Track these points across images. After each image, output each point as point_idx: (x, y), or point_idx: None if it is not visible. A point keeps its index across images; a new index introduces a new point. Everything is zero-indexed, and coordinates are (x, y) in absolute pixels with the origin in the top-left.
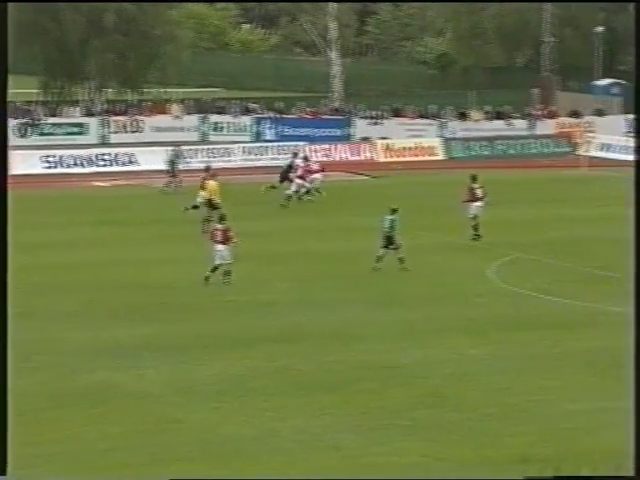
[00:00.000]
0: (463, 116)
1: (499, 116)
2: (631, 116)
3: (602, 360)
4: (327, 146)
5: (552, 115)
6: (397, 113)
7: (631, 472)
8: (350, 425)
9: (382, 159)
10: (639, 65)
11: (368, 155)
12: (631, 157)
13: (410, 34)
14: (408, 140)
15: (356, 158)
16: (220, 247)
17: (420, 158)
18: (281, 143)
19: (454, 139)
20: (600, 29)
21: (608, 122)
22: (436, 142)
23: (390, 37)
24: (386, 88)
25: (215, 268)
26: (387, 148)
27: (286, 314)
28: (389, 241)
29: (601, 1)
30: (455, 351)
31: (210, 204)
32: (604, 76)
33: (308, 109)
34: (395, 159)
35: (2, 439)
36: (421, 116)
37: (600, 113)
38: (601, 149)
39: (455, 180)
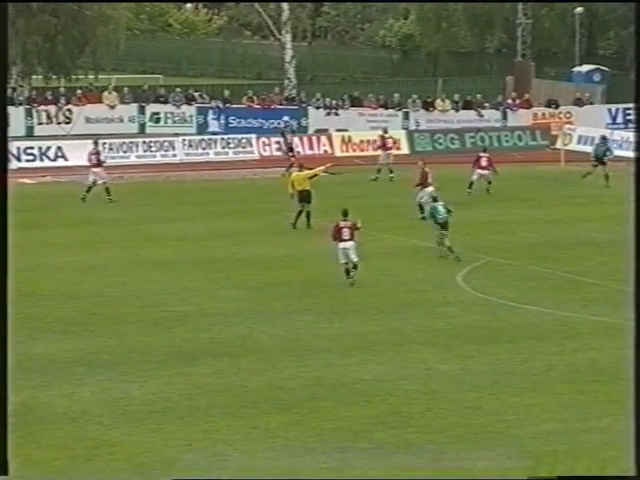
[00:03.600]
0: (429, 106)
1: (469, 106)
2: (614, 106)
3: (582, 375)
4: (279, 139)
5: (527, 105)
6: (356, 102)
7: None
8: (304, 448)
9: (340, 153)
10: (639, 65)
11: (324, 149)
12: (615, 152)
13: (371, 16)
14: (369, 132)
15: (311, 152)
16: None
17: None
18: (228, 135)
19: (419, 131)
20: (579, 10)
21: (589, 112)
22: (399, 135)
23: (349, 19)
24: (344, 75)
25: None
26: (345, 141)
27: (232, 325)
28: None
29: (601, 1)
30: (420, 366)
31: None
32: (584, 62)
33: (258, 98)
34: (354, 153)
35: (2, 439)
36: (383, 106)
37: (580, 103)
38: (581, 142)
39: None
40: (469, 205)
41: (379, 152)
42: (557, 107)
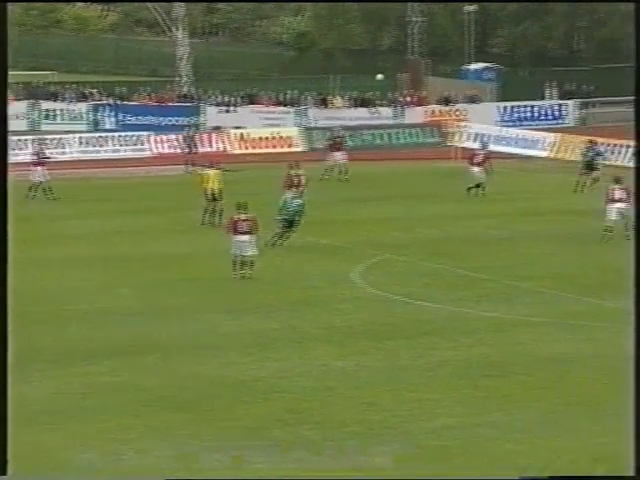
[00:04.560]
0: (324, 103)
1: (364, 103)
2: (504, 103)
3: (476, 371)
4: (174, 136)
5: (421, 102)
6: (252, 99)
7: (631, 472)
8: (201, 447)
9: (236, 150)
10: (639, 64)
11: (220, 146)
12: (505, 148)
13: (265, 12)
14: (264, 129)
15: (207, 150)
16: None
17: (278, 149)
18: (122, 133)
19: (315, 128)
20: (471, 8)
21: (481, 110)
22: (295, 132)
23: (243, 15)
24: (239, 72)
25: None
26: (241, 138)
27: (128, 324)
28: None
29: (599, 1)
30: (317, 362)
31: None
32: (476, 59)
33: (152, 95)
34: (250, 150)
35: (2, 439)
36: (278, 103)
37: (473, 100)
38: (474, 139)
39: (317, 174)
40: (365, 202)
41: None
42: (450, 104)
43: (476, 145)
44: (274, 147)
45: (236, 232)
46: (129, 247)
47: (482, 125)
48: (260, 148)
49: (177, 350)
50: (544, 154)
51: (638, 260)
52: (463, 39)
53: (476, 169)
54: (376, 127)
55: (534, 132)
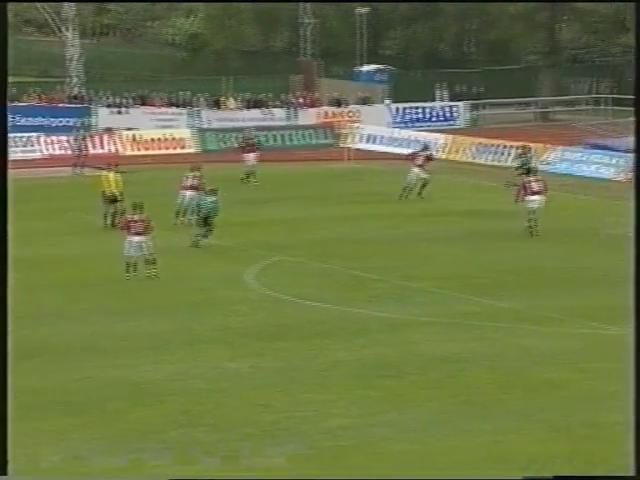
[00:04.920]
0: (217, 104)
1: (257, 104)
2: (395, 105)
3: (370, 371)
4: (65, 137)
5: (314, 104)
6: (144, 101)
7: (631, 472)
8: (94, 451)
9: (128, 152)
10: (639, 65)
11: (112, 148)
12: (398, 150)
13: (157, 14)
14: (156, 131)
15: (99, 151)
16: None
17: (171, 151)
18: (12, 134)
19: (208, 130)
20: (363, 10)
21: (374, 111)
22: (187, 133)
23: (134, 16)
24: (131, 73)
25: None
26: (133, 140)
27: (22, 327)
28: (206, 222)
29: (598, 1)
30: (211, 364)
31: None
32: (368, 61)
33: (43, 96)
34: (143, 152)
35: (2, 439)
36: (171, 104)
37: (365, 101)
38: (367, 140)
39: (210, 175)
40: (261, 203)
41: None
42: (343, 106)
43: (371, 147)
44: (167, 149)
45: (130, 233)
46: (22, 250)
47: (374, 126)
48: (153, 149)
49: (70, 353)
50: (436, 155)
51: (638, 260)
52: (355, 41)
53: (416, 170)
54: (269, 128)
55: (426, 133)
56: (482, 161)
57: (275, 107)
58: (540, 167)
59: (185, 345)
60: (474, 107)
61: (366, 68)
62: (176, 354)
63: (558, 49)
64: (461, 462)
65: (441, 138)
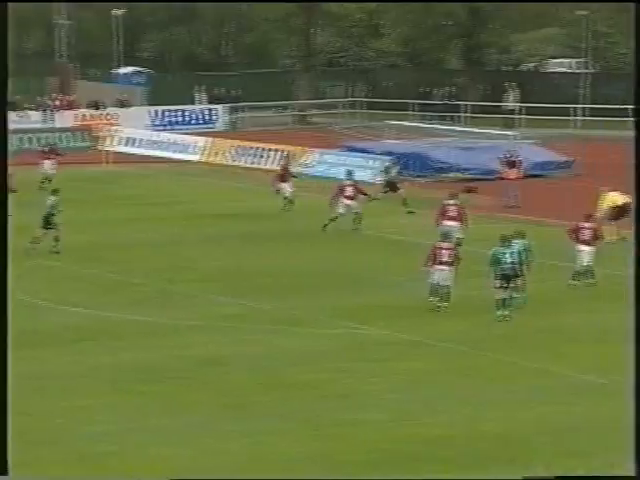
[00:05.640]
0: None
1: (12, 107)
2: (155, 107)
3: (132, 375)
4: None
5: (71, 106)
6: None
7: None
8: None
9: None
10: (639, 65)
11: None
12: (158, 152)
13: None
14: None
15: None
16: None
17: None
18: None
19: None
20: (119, 12)
21: (132, 114)
22: None
23: None
24: None
25: None
26: None
27: None
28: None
29: (598, 1)
30: None
31: None
32: (127, 63)
33: None
34: None
35: (2, 439)
36: None
37: (123, 104)
38: (125, 143)
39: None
40: (16, 207)
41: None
42: (101, 108)
43: (130, 150)
44: None
45: None
46: None
47: (133, 129)
48: None
49: None
50: (196, 158)
51: (638, 260)
52: (112, 43)
53: (347, 202)
54: (25, 131)
55: (185, 136)
56: (241, 164)
57: (30, 109)
58: (299, 170)
59: None
60: (233, 110)
61: (123, 70)
62: None
63: (314, 53)
64: (225, 465)
65: (200, 141)
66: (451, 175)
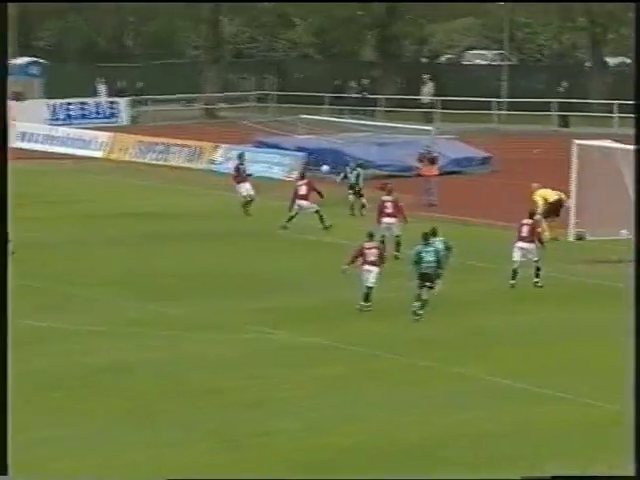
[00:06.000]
0: None
1: None
2: (53, 101)
3: (29, 384)
4: None
5: None
6: None
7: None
8: None
9: None
10: (639, 65)
11: None
12: (58, 148)
13: None
14: None
15: None
16: None
17: None
18: None
19: None
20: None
21: (28, 108)
22: None
23: None
24: None
25: None
26: None
27: None
28: None
29: (599, 1)
30: None
31: None
32: (21, 54)
33: None
34: None
35: (2, 439)
36: None
37: (19, 97)
38: (22, 139)
39: None
40: None
41: None
42: None
43: (27, 145)
44: None
45: None
46: None
47: (29, 123)
48: None
49: None
50: (97, 154)
51: (638, 261)
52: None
53: (302, 202)
54: None
55: (86, 131)
56: (146, 160)
57: None
58: (208, 167)
59: None
60: (136, 103)
61: (18, 61)
62: None
63: (222, 44)
64: (132, 478)
65: (102, 136)
66: (367, 172)
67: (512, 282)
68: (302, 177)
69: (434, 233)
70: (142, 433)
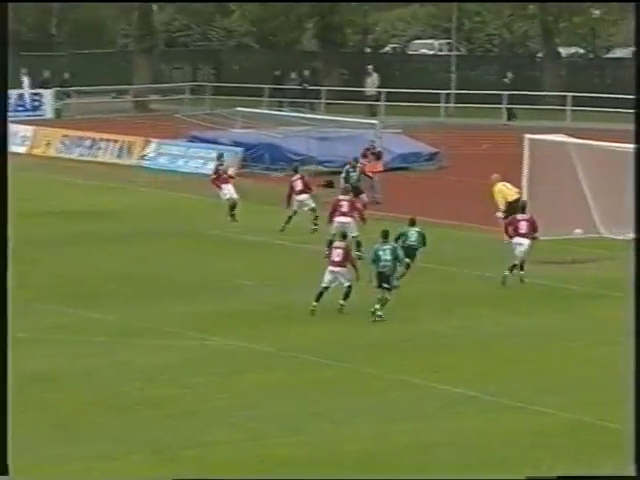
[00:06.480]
0: None
1: None
2: None
3: None
4: None
5: None
6: None
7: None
8: None
9: None
10: (639, 65)
11: None
12: (16, 148)
13: None
14: None
15: None
16: None
17: None
18: None
19: None
20: None
21: None
22: None
23: None
24: None
25: None
26: None
27: None
28: None
29: (597, 1)
30: None
31: None
32: None
33: None
34: None
35: (2, 439)
36: None
37: None
38: None
39: None
40: None
41: None
42: None
43: None
44: None
45: None
46: None
47: None
48: None
49: None
50: (21, 150)
51: (638, 261)
52: None
53: (304, 197)
54: None
55: (9, 125)
56: (73, 156)
57: None
58: (139, 163)
59: None
60: (62, 95)
61: None
62: None
63: (153, 32)
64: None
65: (23, 130)
66: (308, 168)
67: (522, 273)
68: (295, 172)
69: (413, 223)
70: (71, 446)
